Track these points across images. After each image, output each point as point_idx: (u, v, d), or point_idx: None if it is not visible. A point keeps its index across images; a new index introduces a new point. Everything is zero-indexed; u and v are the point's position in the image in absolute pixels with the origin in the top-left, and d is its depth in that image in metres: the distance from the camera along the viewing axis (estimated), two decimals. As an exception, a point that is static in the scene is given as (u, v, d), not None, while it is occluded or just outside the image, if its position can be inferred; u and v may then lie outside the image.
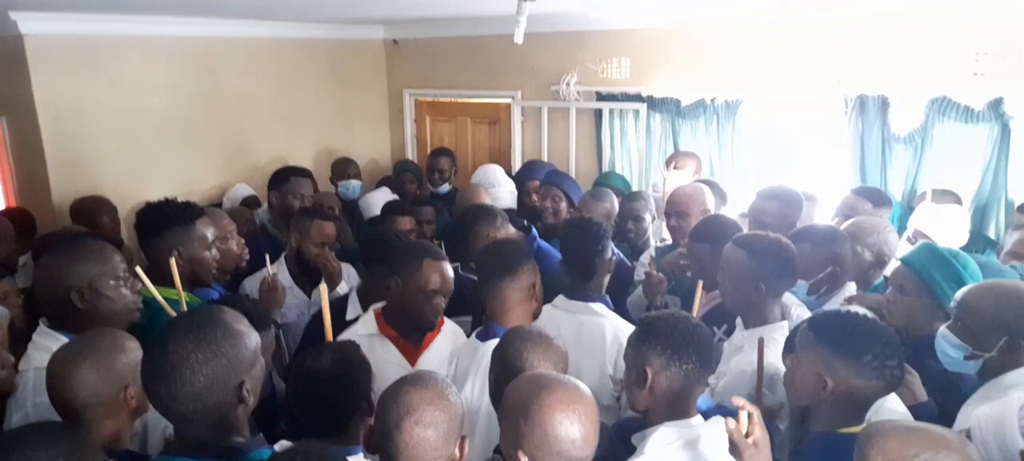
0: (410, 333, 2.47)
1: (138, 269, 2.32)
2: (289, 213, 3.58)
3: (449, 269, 2.44)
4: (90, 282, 2.07)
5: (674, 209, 3.20)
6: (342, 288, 3.19)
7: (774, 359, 2.13)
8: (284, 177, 3.80)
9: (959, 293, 2.00)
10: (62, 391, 1.75)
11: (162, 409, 1.52)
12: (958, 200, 3.55)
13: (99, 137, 4.25)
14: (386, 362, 2.35)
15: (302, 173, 3.89)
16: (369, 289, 2.84)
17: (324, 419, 1.86)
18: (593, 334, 2.45)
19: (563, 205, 3.70)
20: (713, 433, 1.71)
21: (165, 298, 2.33)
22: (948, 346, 1.96)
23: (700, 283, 2.45)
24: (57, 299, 2.06)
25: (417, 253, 2.43)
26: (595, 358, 2.41)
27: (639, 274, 3.27)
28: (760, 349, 2.06)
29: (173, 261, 2.38)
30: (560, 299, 2.58)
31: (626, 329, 2.36)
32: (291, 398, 1.96)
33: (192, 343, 1.47)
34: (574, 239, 2.61)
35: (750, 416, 1.61)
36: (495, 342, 2.04)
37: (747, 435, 1.59)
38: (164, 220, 2.52)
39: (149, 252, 2.55)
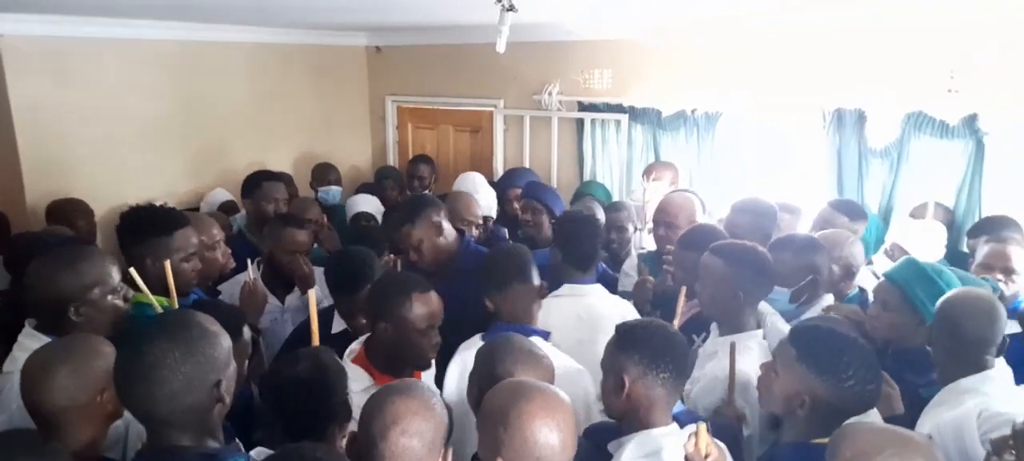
0: (402, 369, 2.23)
1: (132, 272, 2.29)
2: (263, 219, 3.55)
3: (435, 295, 2.26)
4: (87, 296, 2.06)
5: (663, 218, 3.22)
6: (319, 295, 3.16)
7: (747, 367, 2.16)
8: (256, 183, 3.76)
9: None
10: (38, 396, 1.72)
11: (139, 412, 1.51)
12: (952, 215, 3.60)
13: (75, 140, 4.20)
14: None
15: (275, 177, 3.85)
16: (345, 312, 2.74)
17: (301, 426, 1.84)
18: (603, 311, 2.59)
19: (544, 217, 3.69)
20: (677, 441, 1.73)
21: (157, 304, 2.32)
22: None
23: (683, 289, 2.48)
24: (51, 306, 2.05)
25: (401, 290, 2.19)
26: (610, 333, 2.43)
27: (623, 284, 3.28)
28: (732, 355, 2.09)
29: (168, 265, 2.36)
30: (565, 287, 2.70)
31: (630, 307, 2.71)
32: (267, 404, 1.95)
33: (168, 342, 1.47)
34: (575, 232, 2.77)
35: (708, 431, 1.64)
36: None
37: (706, 456, 1.61)
38: (147, 227, 2.49)
39: (129, 257, 2.51)
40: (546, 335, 2.39)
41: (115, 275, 2.16)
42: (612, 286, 3.27)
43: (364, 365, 2.23)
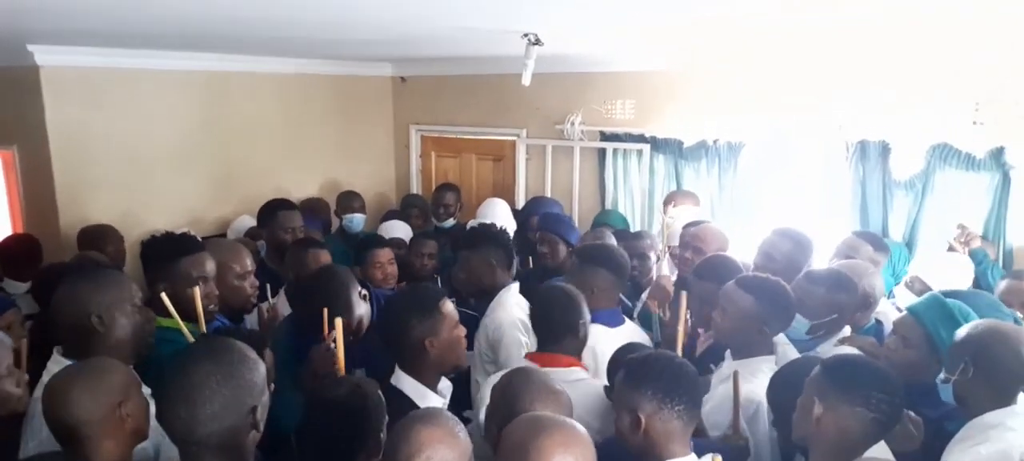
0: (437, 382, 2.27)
1: (164, 296, 2.33)
2: (281, 247, 3.56)
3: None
4: (109, 307, 2.10)
5: (692, 243, 3.24)
6: None
7: (758, 390, 2.17)
8: (271, 212, 3.76)
9: None
10: (57, 413, 1.75)
11: (179, 434, 1.54)
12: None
13: (107, 167, 4.31)
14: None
15: (288, 206, 3.83)
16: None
17: (331, 452, 1.85)
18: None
19: (561, 247, 3.68)
20: None
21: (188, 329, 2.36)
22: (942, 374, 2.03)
23: (684, 294, 2.51)
24: (75, 324, 2.09)
25: (432, 300, 2.23)
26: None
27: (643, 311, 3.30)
28: (736, 383, 2.09)
29: (197, 291, 2.40)
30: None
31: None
32: (302, 425, 1.97)
33: (211, 364, 1.54)
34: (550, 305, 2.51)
35: None
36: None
37: None
38: (166, 253, 2.53)
39: (153, 282, 2.56)
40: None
41: (136, 294, 2.20)
42: (630, 314, 3.28)
43: (415, 388, 2.21)
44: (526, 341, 2.77)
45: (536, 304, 2.49)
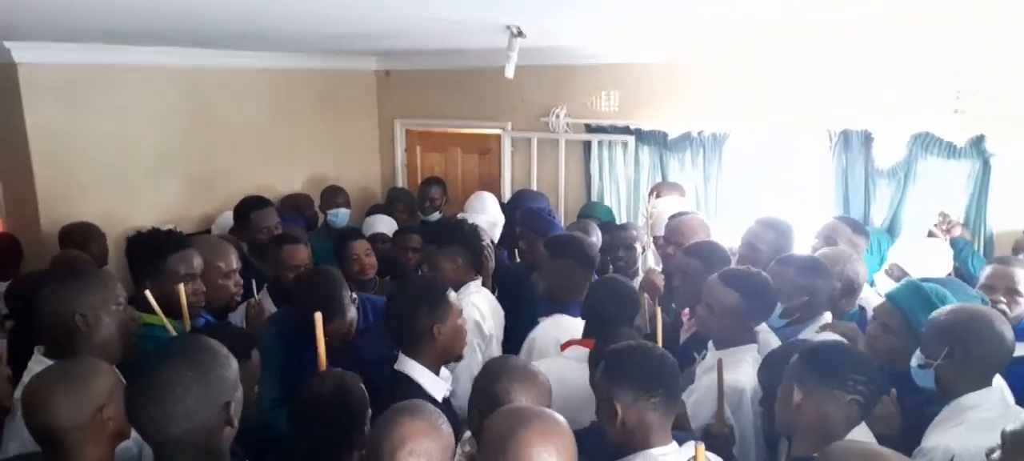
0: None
1: (148, 294, 2.33)
2: (260, 247, 3.56)
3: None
4: (94, 306, 2.09)
5: (674, 238, 3.25)
6: None
7: (742, 378, 2.21)
8: (244, 214, 3.72)
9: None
10: (39, 418, 1.73)
11: (150, 434, 1.53)
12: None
13: (89, 165, 4.26)
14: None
15: (261, 204, 3.78)
16: None
17: (316, 446, 1.86)
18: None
19: (539, 244, 3.66)
20: None
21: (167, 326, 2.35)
22: (914, 358, 2.04)
23: (659, 311, 2.52)
24: (59, 324, 2.07)
25: (440, 290, 2.33)
26: None
27: None
28: (720, 372, 2.12)
29: (181, 289, 2.39)
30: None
31: None
32: (288, 419, 1.97)
33: (182, 362, 1.52)
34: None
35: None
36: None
37: None
38: (151, 250, 2.51)
39: (137, 280, 2.54)
40: None
41: (121, 292, 2.18)
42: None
43: (422, 374, 2.28)
44: (479, 343, 2.80)
45: (588, 297, 2.58)
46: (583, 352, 2.38)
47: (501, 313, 3.06)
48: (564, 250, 2.90)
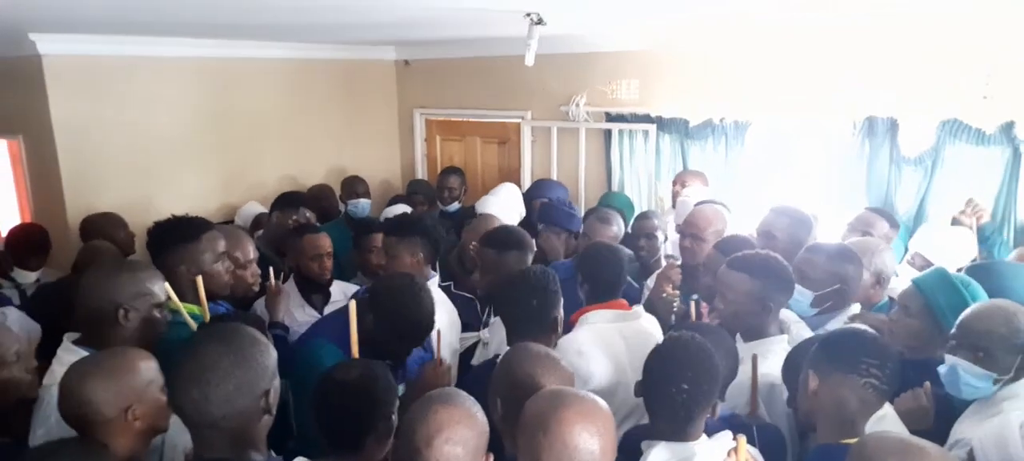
0: None
1: (166, 285, 2.33)
2: (280, 242, 3.61)
3: None
4: (136, 302, 2.11)
5: (690, 230, 3.21)
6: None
7: (772, 370, 2.17)
8: (297, 237, 3.44)
9: (967, 319, 2.00)
10: (69, 407, 1.76)
11: (190, 417, 1.55)
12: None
13: (113, 155, 4.31)
14: None
15: (312, 229, 3.53)
16: None
17: (342, 434, 1.85)
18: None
19: (562, 237, 3.65)
20: (707, 455, 1.72)
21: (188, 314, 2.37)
22: (972, 378, 1.95)
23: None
24: (99, 313, 2.09)
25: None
26: None
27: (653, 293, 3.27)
28: (754, 366, 2.10)
29: (199, 280, 2.40)
30: (601, 313, 2.51)
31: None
32: (312, 408, 1.97)
33: (223, 346, 1.55)
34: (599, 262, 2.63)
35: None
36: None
37: None
38: (175, 235, 2.53)
39: (161, 269, 2.56)
40: None
41: (162, 291, 2.21)
42: (637, 298, 3.25)
43: None
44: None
45: (583, 264, 2.63)
46: (609, 313, 2.45)
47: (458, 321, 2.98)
48: (507, 243, 2.89)
